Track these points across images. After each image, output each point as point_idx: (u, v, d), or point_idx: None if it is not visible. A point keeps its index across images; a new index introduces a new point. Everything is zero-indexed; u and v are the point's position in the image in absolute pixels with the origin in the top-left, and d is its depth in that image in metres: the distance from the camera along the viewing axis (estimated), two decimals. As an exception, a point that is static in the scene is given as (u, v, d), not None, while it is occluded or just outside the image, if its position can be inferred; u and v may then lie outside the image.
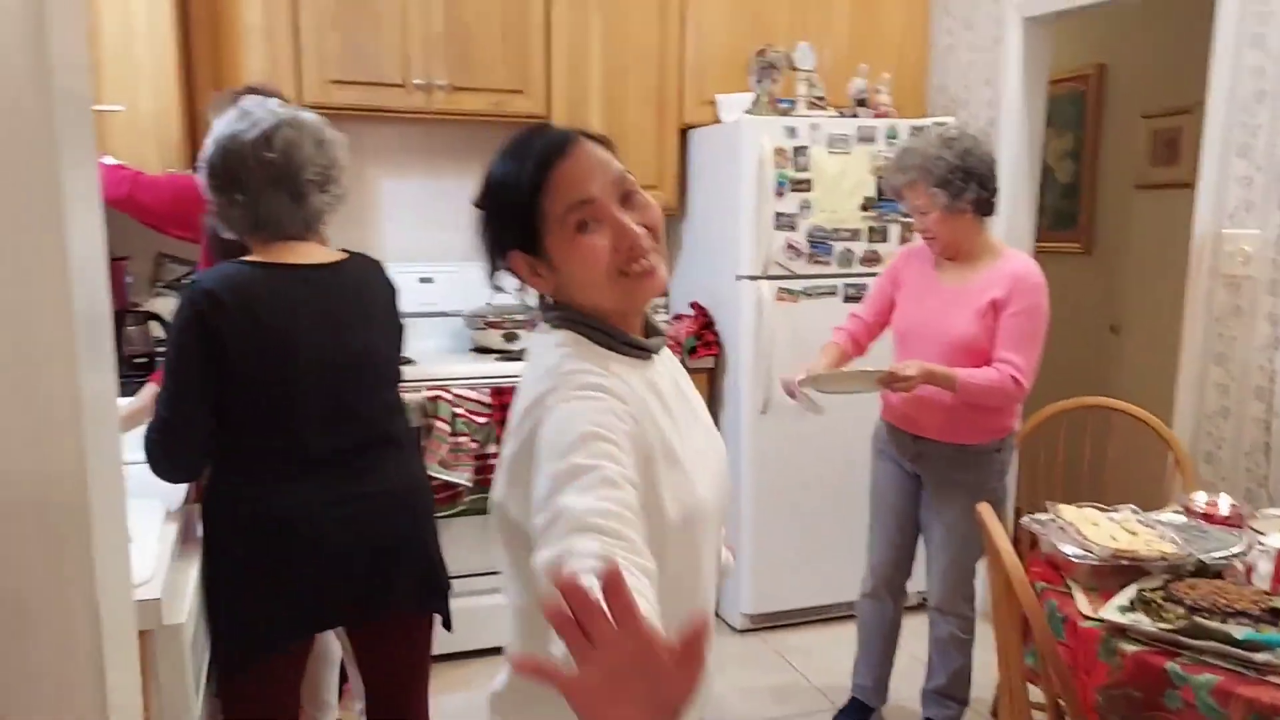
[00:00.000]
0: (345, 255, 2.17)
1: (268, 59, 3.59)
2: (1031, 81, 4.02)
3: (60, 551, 0.79)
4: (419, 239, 4.23)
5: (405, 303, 3.80)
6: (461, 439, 3.49)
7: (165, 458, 1.97)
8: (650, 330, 1.42)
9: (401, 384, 2.30)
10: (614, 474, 1.13)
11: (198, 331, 1.93)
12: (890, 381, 2.78)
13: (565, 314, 1.36)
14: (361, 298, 2.15)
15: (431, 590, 2.24)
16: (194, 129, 3.45)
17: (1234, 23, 3.09)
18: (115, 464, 0.87)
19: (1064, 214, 5.27)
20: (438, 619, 2.29)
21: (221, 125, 2.04)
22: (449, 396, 3.49)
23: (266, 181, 2.00)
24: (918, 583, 3.33)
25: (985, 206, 2.84)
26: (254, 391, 1.98)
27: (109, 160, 3.02)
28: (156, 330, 3.43)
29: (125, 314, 3.33)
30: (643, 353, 1.36)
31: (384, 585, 2.12)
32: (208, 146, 2.04)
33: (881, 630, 3.28)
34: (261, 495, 2.00)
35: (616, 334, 1.34)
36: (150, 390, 2.58)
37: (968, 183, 2.77)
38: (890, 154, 3.89)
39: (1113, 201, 5.04)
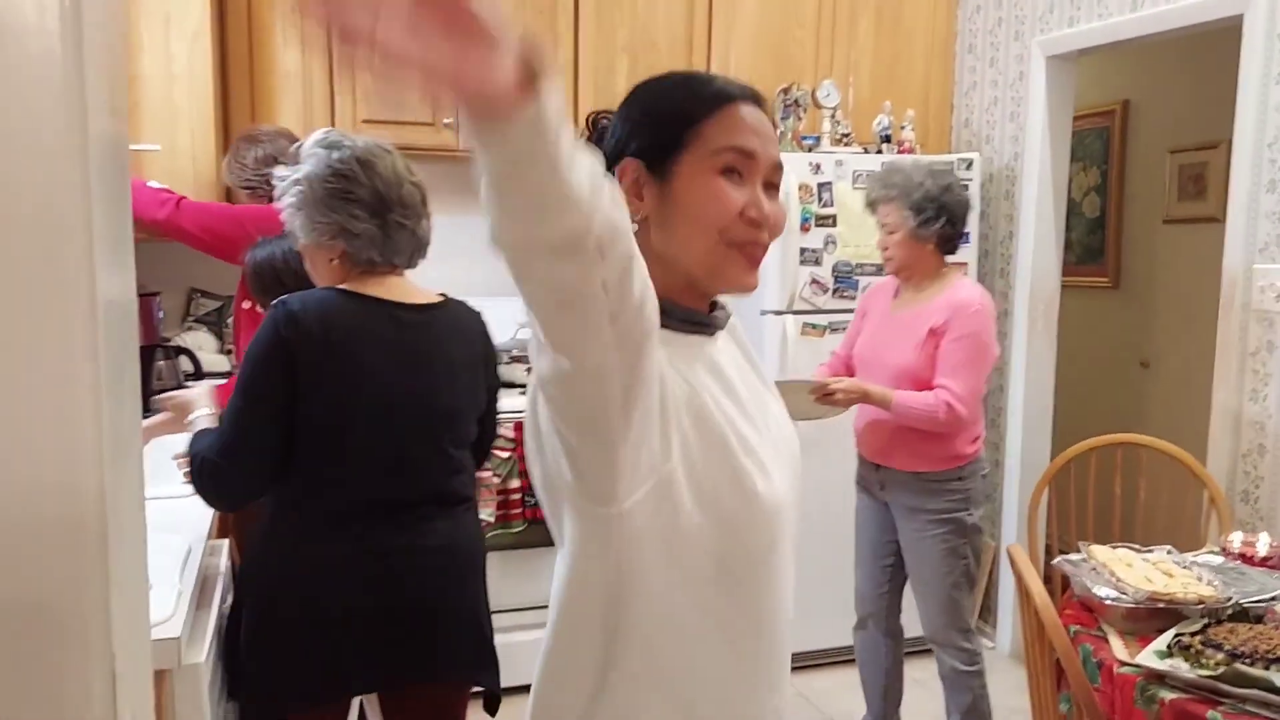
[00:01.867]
0: (442, 299, 2.07)
1: (303, 101, 3.65)
2: (1056, 118, 4.01)
3: (78, 578, 0.78)
4: (445, 274, 4.19)
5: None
6: (484, 474, 3.48)
7: (216, 481, 1.86)
8: (713, 305, 1.24)
9: (486, 447, 2.20)
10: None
11: (277, 352, 1.83)
12: (821, 392, 2.83)
13: None
14: (450, 344, 2.03)
15: (475, 659, 2.08)
16: None
17: (1260, 59, 3.08)
18: (137, 499, 0.87)
19: (1091, 249, 5.25)
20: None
21: (339, 150, 1.92)
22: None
23: (400, 205, 1.94)
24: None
25: (948, 244, 2.93)
26: (314, 428, 1.87)
27: (153, 183, 3.01)
28: (186, 365, 3.44)
29: (155, 349, 3.33)
30: (704, 329, 1.21)
31: (420, 649, 1.97)
32: (337, 168, 1.90)
33: (875, 663, 3.27)
34: (304, 543, 1.91)
35: (675, 309, 1.15)
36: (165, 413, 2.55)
37: (939, 215, 2.86)
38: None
39: (1140, 236, 5.01)
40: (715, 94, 1.16)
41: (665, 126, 1.16)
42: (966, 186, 3.93)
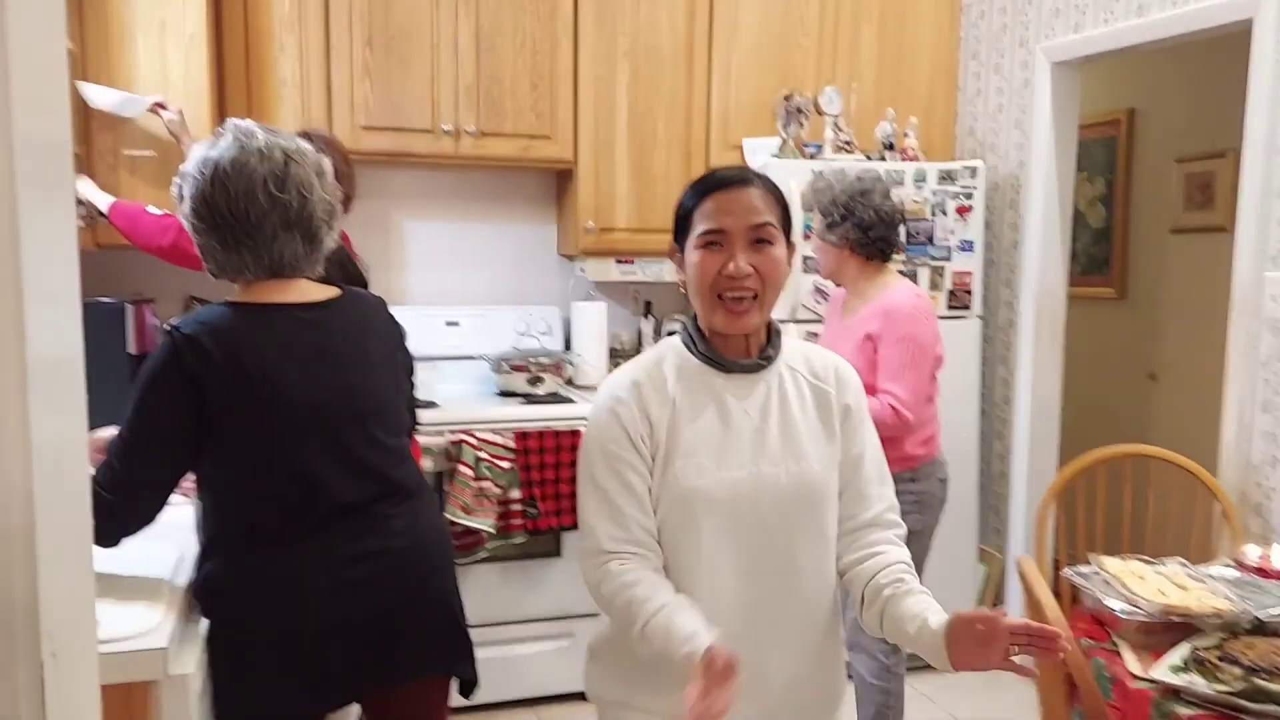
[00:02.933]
0: (338, 292, 1.96)
1: (300, 107, 3.63)
2: (1061, 126, 3.97)
3: (5, 587, 0.75)
4: (445, 282, 4.22)
5: (431, 346, 3.88)
6: (485, 484, 3.43)
7: (102, 518, 1.77)
8: (763, 353, 1.69)
9: (413, 430, 2.15)
10: (623, 481, 1.63)
11: (174, 381, 1.73)
12: None
13: (689, 321, 1.71)
14: (360, 337, 1.95)
15: (453, 650, 2.04)
16: None
17: (1271, 64, 3.04)
18: (79, 508, 0.84)
19: (1096, 259, 5.20)
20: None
21: (215, 155, 1.80)
22: (473, 441, 3.44)
23: (281, 225, 1.81)
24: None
25: (866, 249, 2.95)
26: (242, 448, 1.79)
27: (154, 210, 3.00)
28: None
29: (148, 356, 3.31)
30: (717, 366, 1.67)
31: (399, 651, 1.92)
32: (197, 182, 1.80)
33: None
34: (262, 563, 1.83)
35: (700, 345, 1.68)
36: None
37: (845, 220, 2.92)
38: (918, 198, 3.87)
39: (1146, 246, 4.96)
40: (699, 190, 1.64)
41: (678, 221, 1.68)
42: (969, 194, 3.91)
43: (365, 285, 2.43)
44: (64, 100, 0.83)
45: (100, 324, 3.02)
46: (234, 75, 3.57)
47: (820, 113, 3.95)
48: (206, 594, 1.87)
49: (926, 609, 1.55)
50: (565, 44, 3.89)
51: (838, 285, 3.11)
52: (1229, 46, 3.33)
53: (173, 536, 2.03)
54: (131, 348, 3.15)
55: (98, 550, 1.74)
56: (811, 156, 3.88)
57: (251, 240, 1.81)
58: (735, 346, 1.67)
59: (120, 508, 1.73)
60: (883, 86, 4.25)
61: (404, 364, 2.11)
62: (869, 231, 2.93)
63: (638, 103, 4.01)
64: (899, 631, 1.57)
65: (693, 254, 1.62)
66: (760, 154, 3.94)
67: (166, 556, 1.97)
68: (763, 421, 1.66)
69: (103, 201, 3.04)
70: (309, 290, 1.92)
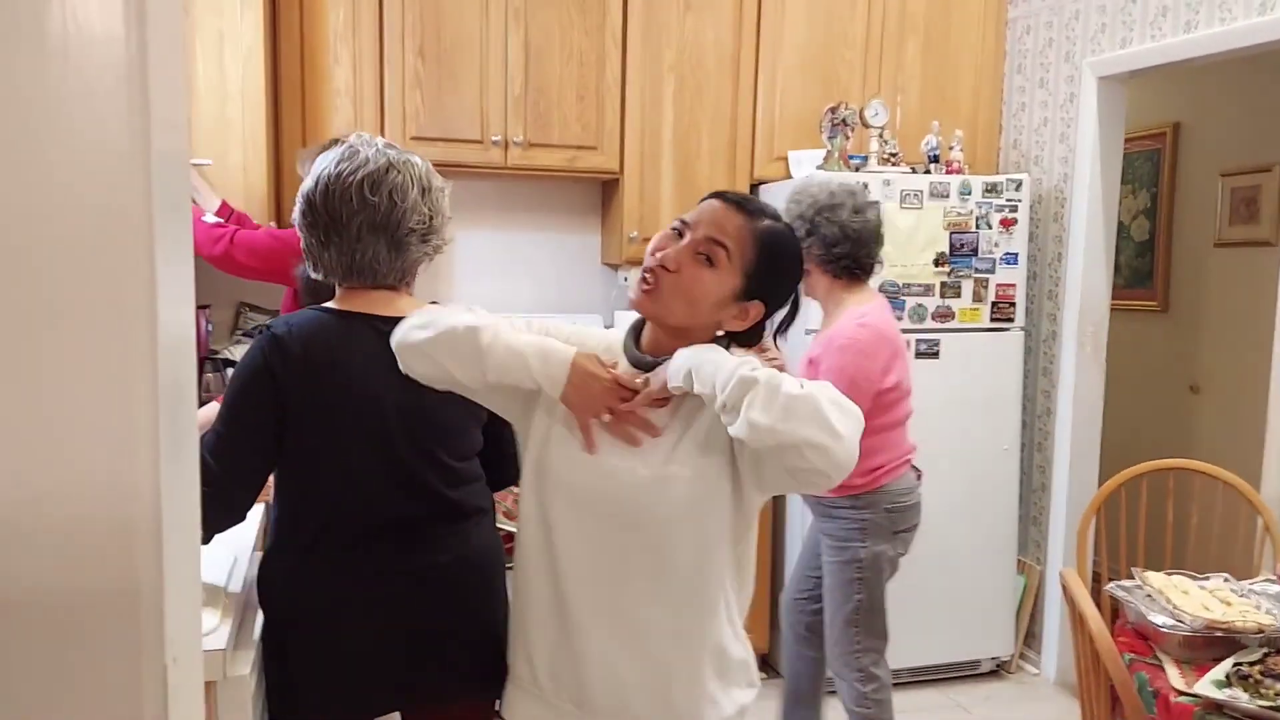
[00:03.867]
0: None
1: (352, 117, 3.71)
2: (1106, 140, 3.97)
3: (134, 577, 0.79)
4: (490, 290, 4.27)
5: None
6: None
7: (205, 499, 1.82)
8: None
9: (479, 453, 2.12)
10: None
11: (262, 379, 1.81)
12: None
13: (635, 322, 1.72)
14: None
15: (493, 674, 1.95)
16: (279, 183, 3.60)
17: (1321, 80, 3.03)
18: (191, 501, 0.88)
19: (1140, 272, 5.19)
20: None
21: (326, 162, 1.90)
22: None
23: (367, 226, 1.87)
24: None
25: (832, 267, 2.88)
26: (308, 450, 1.84)
27: (208, 218, 3.07)
28: None
29: (204, 361, 3.38)
30: (639, 366, 1.65)
31: (438, 670, 1.93)
32: (308, 183, 1.91)
33: (789, 669, 3.23)
34: (313, 567, 1.88)
35: (631, 346, 1.69)
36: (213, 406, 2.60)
37: (807, 236, 2.83)
38: (963, 210, 3.88)
39: (1189, 260, 4.94)
40: (707, 195, 1.66)
41: None
42: (1014, 207, 3.91)
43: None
44: (186, 116, 0.88)
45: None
46: (289, 86, 3.65)
47: (865, 125, 3.97)
48: (264, 592, 1.93)
49: None
50: (613, 56, 3.95)
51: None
52: (1276, 61, 3.33)
53: (227, 539, 2.06)
54: None
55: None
56: (857, 169, 3.90)
57: (339, 238, 1.87)
58: (661, 341, 1.64)
59: (214, 501, 1.75)
60: (927, 99, 4.27)
61: None
62: (833, 249, 2.85)
63: (683, 114, 4.05)
64: None
65: (659, 233, 1.64)
66: (805, 165, 3.97)
67: (222, 559, 2.01)
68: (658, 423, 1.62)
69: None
70: (401, 304, 1.94)
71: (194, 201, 3.15)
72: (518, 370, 1.57)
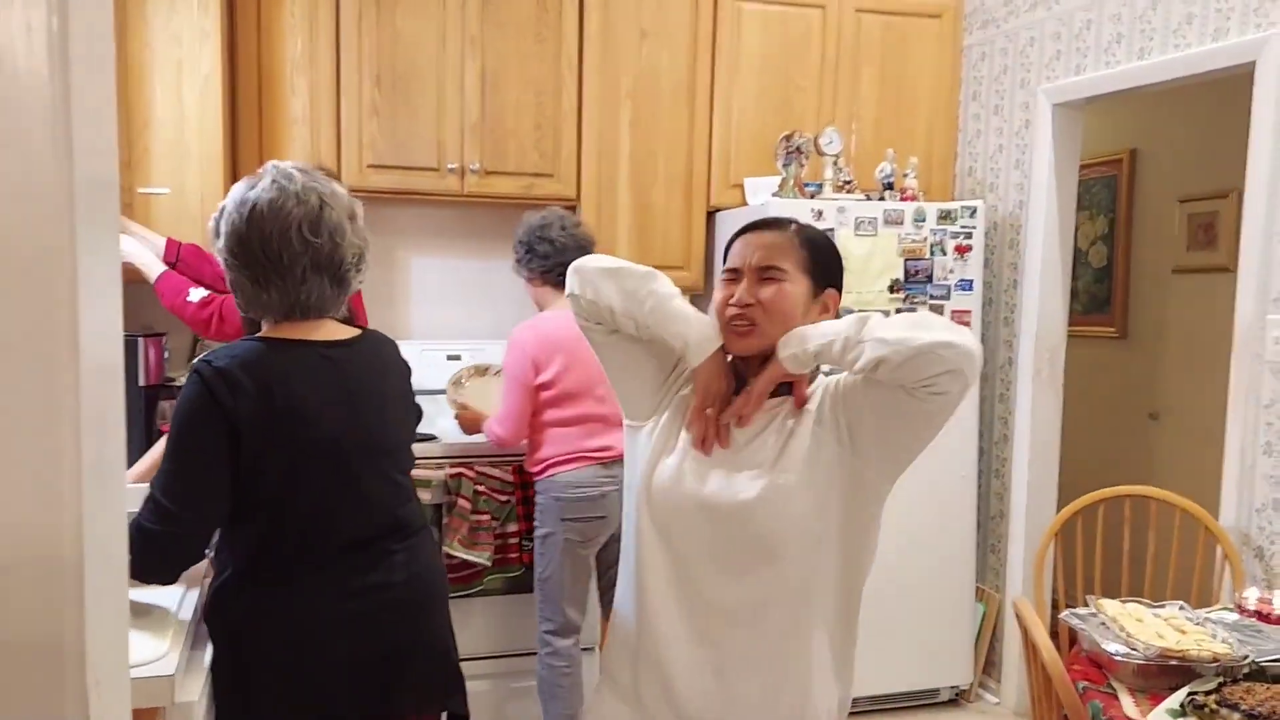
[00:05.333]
0: (359, 332, 2.03)
1: (310, 145, 3.72)
2: (1062, 166, 3.99)
3: (54, 615, 0.77)
4: (447, 317, 4.25)
5: (433, 379, 3.88)
6: (483, 517, 3.45)
7: (150, 553, 1.74)
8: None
9: (413, 469, 2.17)
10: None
11: (211, 413, 1.76)
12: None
13: None
14: (379, 377, 2.01)
15: (445, 686, 2.07)
16: None
17: (1273, 107, 3.06)
18: (121, 534, 0.87)
19: (1098, 298, 5.22)
20: None
21: (249, 197, 1.84)
22: (471, 474, 3.45)
23: (311, 267, 1.86)
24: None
25: (549, 277, 3.30)
26: (266, 479, 1.81)
27: (195, 295, 2.93)
28: None
29: (160, 389, 3.34)
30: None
31: (395, 687, 1.94)
32: (233, 220, 1.85)
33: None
34: (273, 594, 1.86)
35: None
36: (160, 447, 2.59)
37: (526, 255, 3.33)
38: (917, 237, 3.89)
39: (1148, 286, 4.98)
40: (734, 235, 1.81)
41: (726, 257, 1.82)
42: (969, 234, 3.93)
43: None
44: (113, 142, 0.86)
45: (114, 358, 3.06)
46: (247, 114, 3.66)
47: (820, 153, 3.98)
48: (219, 622, 1.90)
49: None
50: (569, 84, 3.94)
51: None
52: (1232, 87, 3.36)
53: None
54: (142, 380, 3.19)
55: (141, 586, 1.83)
56: (812, 195, 3.91)
57: (281, 280, 1.85)
58: (752, 366, 1.74)
59: (172, 542, 1.77)
60: (883, 127, 4.29)
61: (413, 404, 2.18)
62: (546, 260, 3.27)
63: (640, 141, 4.05)
64: None
65: (716, 289, 1.77)
66: (761, 193, 3.98)
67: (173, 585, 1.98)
68: (757, 435, 1.71)
69: (154, 269, 3.01)
70: (333, 329, 1.96)
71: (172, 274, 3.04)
72: (674, 323, 1.73)
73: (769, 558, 1.64)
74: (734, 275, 1.74)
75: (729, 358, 1.76)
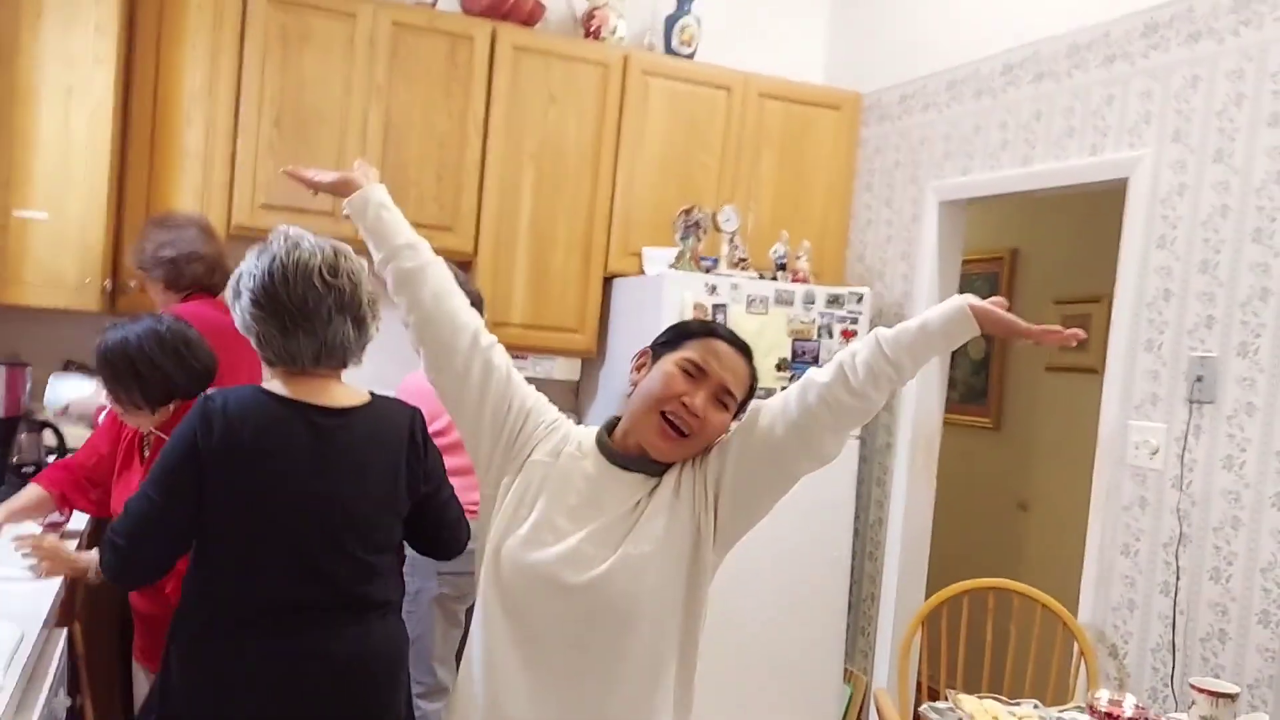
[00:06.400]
0: (369, 399, 2.06)
1: (202, 180, 3.63)
2: (945, 260, 4.13)
3: None
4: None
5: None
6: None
7: (121, 562, 1.89)
8: (649, 462, 1.72)
9: (451, 537, 2.22)
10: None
11: (189, 448, 1.86)
12: None
13: (609, 420, 1.80)
14: (362, 450, 1.99)
15: None
16: (118, 241, 3.51)
17: (1142, 223, 3.21)
18: None
19: (975, 389, 5.37)
20: None
21: (269, 251, 1.95)
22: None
23: (335, 308, 1.94)
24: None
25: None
26: (221, 527, 1.88)
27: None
28: (50, 439, 3.25)
29: (19, 421, 3.17)
30: (611, 461, 1.73)
31: None
32: (256, 275, 1.93)
33: None
34: (207, 643, 1.89)
35: (606, 441, 1.76)
36: (30, 490, 2.57)
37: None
38: (806, 319, 3.96)
39: (1023, 381, 5.14)
40: (709, 331, 1.76)
41: (675, 336, 1.78)
42: (855, 319, 4.03)
43: None
44: None
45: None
46: (138, 144, 3.56)
47: (718, 228, 4.04)
48: (165, 656, 1.95)
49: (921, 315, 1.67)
50: (474, 141, 3.94)
51: None
52: (1108, 197, 3.51)
53: (16, 614, 1.98)
54: (0, 411, 3.04)
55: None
56: (707, 270, 3.95)
57: (309, 323, 1.93)
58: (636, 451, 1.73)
59: (129, 555, 1.89)
60: (779, 209, 4.38)
61: (410, 482, 2.08)
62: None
63: (541, 203, 4.05)
64: (920, 340, 1.62)
65: (669, 365, 1.70)
66: (657, 264, 4.00)
67: (6, 635, 1.88)
68: (613, 515, 1.69)
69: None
70: (338, 393, 2.01)
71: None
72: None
73: (622, 628, 1.64)
74: (697, 374, 1.70)
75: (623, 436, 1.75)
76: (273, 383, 1.98)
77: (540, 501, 1.69)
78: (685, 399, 1.66)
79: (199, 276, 3.12)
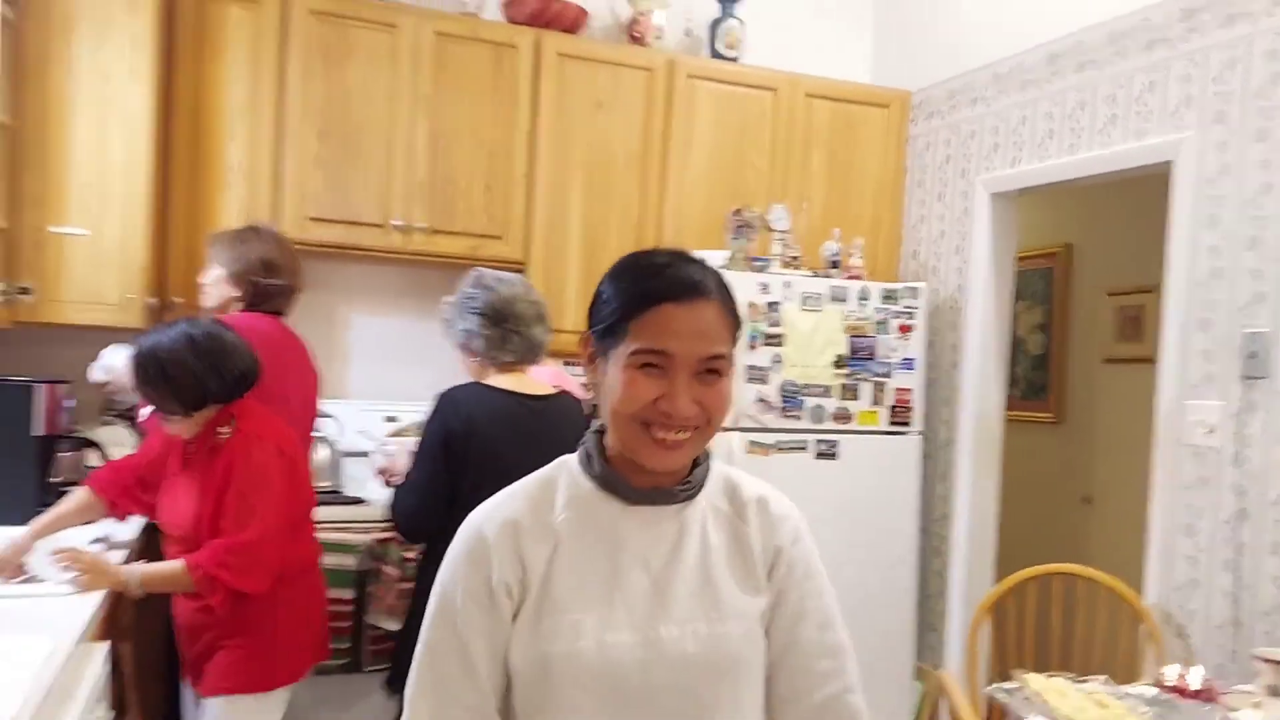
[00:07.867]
0: (556, 391, 2.69)
1: (247, 194, 3.64)
2: (999, 253, 4.11)
3: None
4: (385, 377, 4.21)
5: (367, 440, 3.82)
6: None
7: (405, 513, 2.60)
8: (682, 481, 1.33)
9: None
10: (464, 655, 1.26)
11: (436, 425, 2.53)
12: None
13: (591, 435, 1.36)
14: (561, 429, 2.48)
15: None
16: (164, 257, 3.52)
17: (1188, 206, 3.20)
18: None
19: (1036, 385, 5.32)
20: None
21: (484, 281, 2.67)
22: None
23: (536, 319, 2.67)
24: None
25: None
26: (468, 494, 2.14)
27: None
28: (92, 459, 3.22)
29: (59, 439, 3.13)
30: (616, 493, 1.32)
31: None
32: (478, 295, 2.63)
33: None
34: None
35: (597, 465, 1.33)
36: (79, 494, 2.58)
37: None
38: (862, 315, 3.96)
39: (1082, 374, 5.09)
40: (646, 294, 1.25)
41: (610, 315, 1.27)
42: (912, 314, 4.02)
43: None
44: None
45: (5, 403, 2.94)
46: (179, 158, 3.56)
47: (769, 228, 4.06)
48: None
49: None
50: (521, 149, 3.98)
51: None
52: (1157, 185, 3.49)
53: (47, 629, 1.96)
54: (40, 429, 2.98)
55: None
56: (759, 270, 3.97)
57: (527, 328, 2.65)
58: (644, 473, 1.31)
59: (410, 516, 2.60)
60: (830, 207, 4.39)
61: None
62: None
63: (591, 209, 4.09)
64: None
65: (620, 372, 1.25)
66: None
67: (38, 648, 1.85)
68: (667, 570, 1.30)
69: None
70: (529, 384, 2.68)
71: None
72: None
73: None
74: (663, 362, 1.24)
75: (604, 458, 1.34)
76: (487, 378, 2.62)
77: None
78: (663, 405, 1.23)
79: (277, 306, 3.05)
